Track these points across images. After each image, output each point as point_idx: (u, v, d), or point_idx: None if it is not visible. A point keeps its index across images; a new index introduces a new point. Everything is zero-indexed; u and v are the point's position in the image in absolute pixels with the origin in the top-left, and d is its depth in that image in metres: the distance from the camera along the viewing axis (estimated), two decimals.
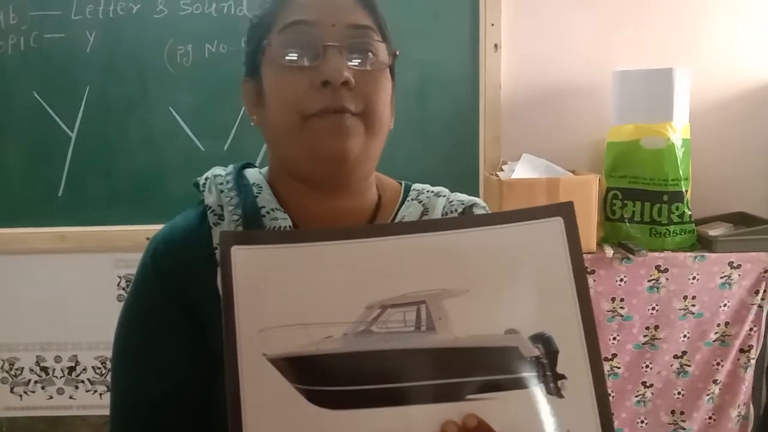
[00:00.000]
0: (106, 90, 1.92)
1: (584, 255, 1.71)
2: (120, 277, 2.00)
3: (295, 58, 0.71)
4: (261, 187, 0.78)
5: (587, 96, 1.98)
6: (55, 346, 2.04)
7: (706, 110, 1.97)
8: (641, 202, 1.83)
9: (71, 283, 2.00)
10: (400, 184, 0.86)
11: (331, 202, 0.77)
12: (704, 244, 1.81)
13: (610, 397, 1.79)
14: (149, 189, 1.95)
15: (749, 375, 1.79)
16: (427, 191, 0.84)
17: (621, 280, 1.77)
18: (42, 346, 2.05)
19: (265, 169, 0.82)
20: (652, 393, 1.81)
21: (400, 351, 0.56)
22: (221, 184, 0.78)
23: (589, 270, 1.76)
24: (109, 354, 2.04)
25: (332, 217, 0.77)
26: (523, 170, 1.85)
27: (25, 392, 2.07)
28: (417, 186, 0.86)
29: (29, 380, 2.06)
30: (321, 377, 0.55)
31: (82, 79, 1.91)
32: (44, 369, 2.06)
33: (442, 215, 0.81)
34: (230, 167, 0.82)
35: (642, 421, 1.82)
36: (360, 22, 0.73)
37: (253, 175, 0.81)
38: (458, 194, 0.85)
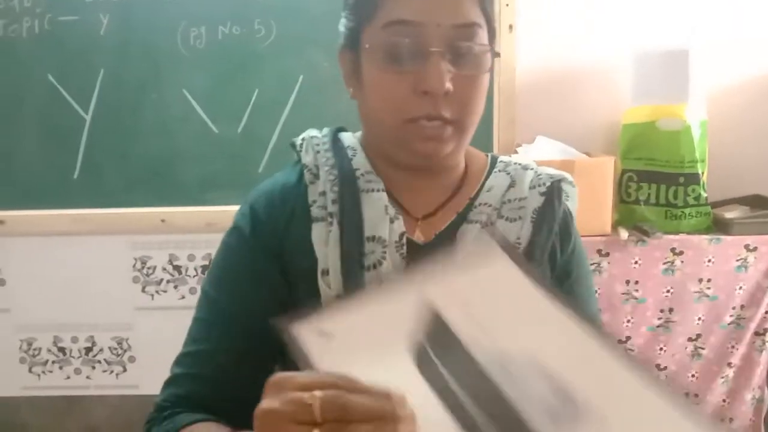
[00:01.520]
0: (120, 73, 1.92)
1: (599, 237, 1.73)
2: (135, 259, 2.02)
3: (398, 61, 0.71)
4: (356, 150, 0.81)
5: (603, 77, 1.97)
6: (72, 327, 2.07)
7: (724, 92, 1.95)
8: (657, 185, 1.82)
9: (87, 265, 2.02)
10: (487, 155, 0.88)
11: (419, 177, 0.80)
12: (720, 226, 1.79)
13: None
14: (163, 171, 1.95)
15: (764, 358, 1.78)
16: (514, 163, 0.85)
17: (635, 262, 1.76)
18: (59, 327, 2.07)
19: (359, 134, 0.85)
20: (666, 375, 1.81)
21: None
22: (317, 145, 0.82)
23: (603, 252, 1.76)
24: (125, 335, 2.07)
25: (420, 186, 0.80)
26: (538, 152, 1.84)
27: (42, 372, 2.10)
28: (504, 158, 0.87)
29: (47, 360, 2.09)
30: None
31: (96, 61, 1.92)
32: (61, 349, 2.08)
33: (529, 188, 0.81)
34: (326, 130, 0.85)
35: None
36: (467, 20, 0.71)
37: (347, 138, 0.84)
38: (546, 168, 0.86)
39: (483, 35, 0.73)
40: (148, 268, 2.02)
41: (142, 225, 1.96)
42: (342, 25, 0.79)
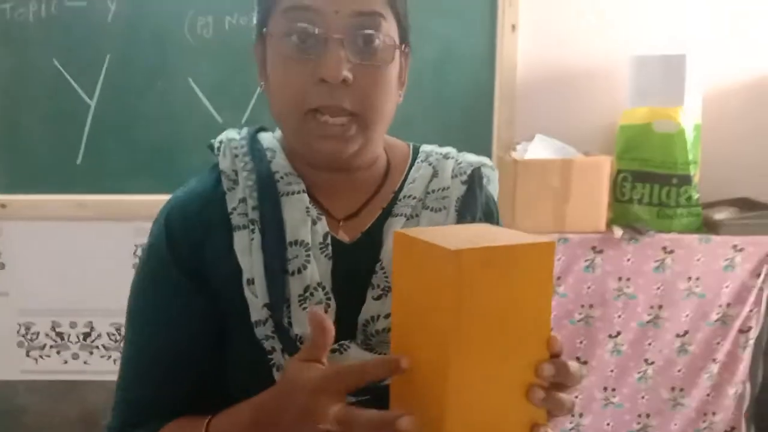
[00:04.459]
0: (126, 59, 1.93)
1: (594, 235, 1.79)
2: (137, 246, 2.03)
3: (296, 48, 0.69)
4: (275, 152, 0.78)
5: (601, 79, 2.02)
6: (71, 312, 2.08)
7: (718, 96, 2.01)
8: (650, 185, 1.87)
9: (88, 251, 2.03)
10: (409, 145, 0.86)
11: (338, 175, 0.78)
12: (710, 227, 1.86)
13: (612, 373, 1.86)
14: (167, 159, 1.97)
15: (747, 354, 1.85)
16: (436, 153, 0.84)
17: (628, 260, 1.82)
18: (58, 312, 2.08)
19: (279, 134, 0.82)
20: (654, 370, 1.87)
21: None
22: (236, 148, 0.78)
23: (597, 249, 1.81)
24: (123, 321, 2.08)
25: (341, 185, 0.79)
26: (536, 151, 1.88)
27: (40, 356, 2.10)
28: (425, 147, 0.86)
29: (45, 345, 2.10)
30: None
31: (102, 48, 1.92)
32: (60, 334, 2.09)
33: (451, 177, 0.81)
34: (244, 131, 0.82)
35: (642, 397, 1.89)
36: (368, 9, 0.69)
37: (267, 139, 0.81)
38: (466, 155, 0.85)
39: (388, 28, 0.71)
40: None
41: (145, 212, 1.94)
42: (254, 18, 0.77)
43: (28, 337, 2.09)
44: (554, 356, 0.57)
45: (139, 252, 2.03)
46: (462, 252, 0.50)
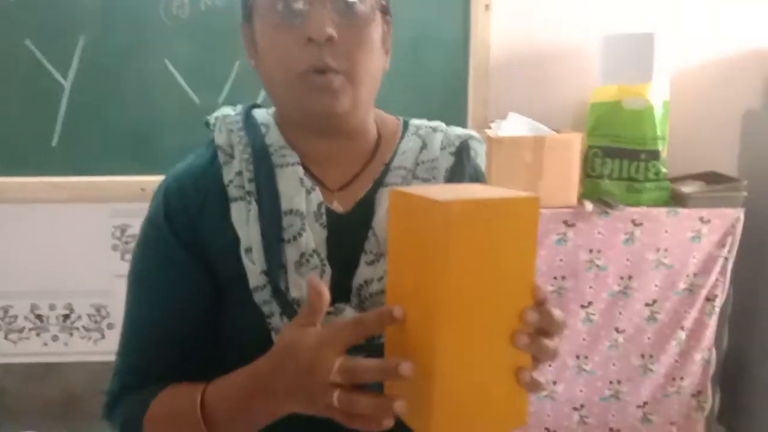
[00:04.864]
0: (100, 40, 1.92)
1: (566, 209, 1.84)
2: (115, 227, 2.03)
3: (283, 12, 0.73)
4: (269, 127, 0.82)
5: (572, 58, 2.07)
6: (50, 294, 2.08)
7: (685, 74, 2.08)
8: (620, 160, 1.93)
9: (66, 232, 2.03)
10: (399, 119, 0.90)
11: (331, 143, 0.81)
12: (677, 200, 1.92)
13: (584, 342, 1.92)
14: (144, 140, 1.97)
15: (713, 322, 1.93)
16: (425, 126, 0.87)
17: (599, 233, 1.88)
18: (37, 295, 2.08)
19: (272, 110, 0.85)
20: (624, 338, 1.94)
21: None
22: (230, 123, 0.82)
23: (569, 223, 1.86)
24: (103, 302, 2.09)
25: (335, 156, 0.82)
26: (510, 128, 1.93)
27: (19, 339, 2.10)
28: (415, 121, 0.89)
29: (23, 327, 2.09)
30: None
31: (76, 28, 1.91)
32: (39, 316, 2.09)
33: (440, 149, 0.84)
34: (239, 107, 0.86)
35: (614, 364, 1.96)
36: None
37: (261, 115, 0.84)
38: (454, 128, 0.89)
39: None
40: (128, 236, 2.04)
41: (122, 193, 1.98)
42: (239, 0, 0.81)
43: (6, 320, 2.08)
44: (539, 304, 0.60)
45: (117, 233, 2.03)
46: (450, 203, 0.54)
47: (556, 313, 0.61)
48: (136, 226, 2.02)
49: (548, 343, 0.61)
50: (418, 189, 0.60)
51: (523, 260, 0.59)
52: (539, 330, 0.60)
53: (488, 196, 0.57)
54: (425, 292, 0.56)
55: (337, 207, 0.80)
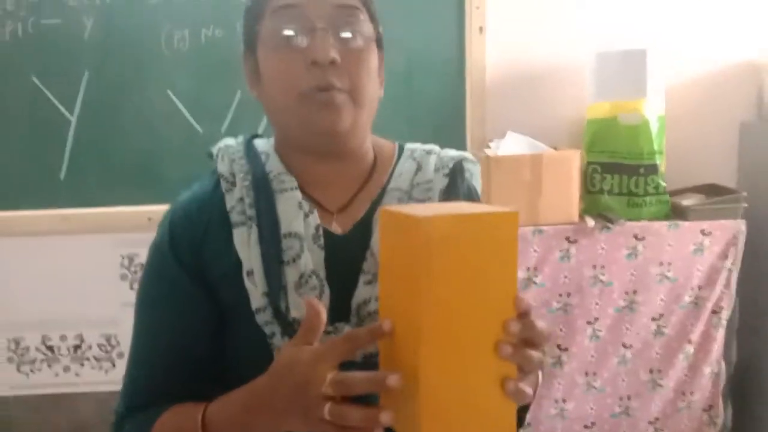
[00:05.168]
0: (104, 75, 1.97)
1: (567, 226, 1.85)
2: (122, 257, 2.06)
3: (287, 40, 0.78)
4: (269, 155, 0.87)
5: (567, 76, 2.09)
6: (60, 325, 2.10)
7: (680, 88, 2.09)
8: (619, 175, 1.94)
9: (75, 264, 2.06)
10: (394, 144, 0.93)
11: (330, 166, 0.85)
12: (678, 213, 1.92)
13: (593, 358, 1.92)
14: (149, 171, 2.00)
15: (720, 334, 1.91)
16: (420, 149, 0.91)
17: (601, 248, 1.88)
18: (47, 326, 2.10)
19: (271, 139, 0.90)
20: (632, 353, 1.93)
21: None
22: (232, 153, 0.87)
23: (572, 239, 1.87)
24: (113, 331, 2.11)
25: (333, 180, 0.86)
26: (508, 147, 1.95)
27: (31, 371, 2.12)
28: (410, 145, 0.93)
29: (35, 359, 2.12)
30: None
31: (80, 64, 1.96)
32: (50, 348, 2.11)
33: (434, 171, 0.88)
34: (240, 138, 0.91)
35: (623, 380, 1.94)
36: (346, 2, 0.79)
37: (261, 144, 0.89)
38: (448, 150, 0.93)
39: (364, 20, 0.80)
40: (136, 265, 2.06)
41: (129, 223, 2.01)
42: (240, 33, 0.86)
43: (18, 352, 2.11)
44: (522, 315, 0.62)
45: (125, 262, 2.06)
46: (431, 219, 0.56)
47: (540, 323, 0.63)
48: (143, 256, 2.03)
49: (533, 353, 0.62)
50: (405, 207, 0.63)
51: (504, 273, 0.60)
52: (524, 341, 0.62)
53: (470, 211, 0.59)
54: (410, 306, 0.59)
55: (336, 229, 0.83)
